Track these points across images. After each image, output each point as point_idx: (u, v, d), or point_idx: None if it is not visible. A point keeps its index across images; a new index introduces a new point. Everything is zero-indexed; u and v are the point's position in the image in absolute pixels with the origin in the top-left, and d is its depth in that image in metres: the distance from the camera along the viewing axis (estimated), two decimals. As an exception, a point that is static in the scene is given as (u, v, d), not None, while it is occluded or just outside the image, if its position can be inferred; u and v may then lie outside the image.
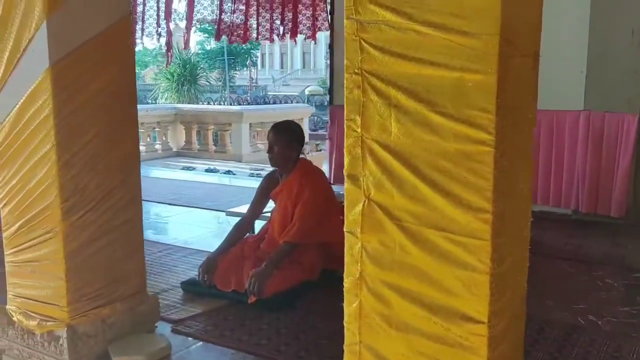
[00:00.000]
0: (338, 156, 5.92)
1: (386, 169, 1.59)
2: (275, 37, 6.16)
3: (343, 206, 3.46)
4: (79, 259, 2.37)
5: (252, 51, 37.08)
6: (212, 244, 4.16)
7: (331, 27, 5.90)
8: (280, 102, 29.87)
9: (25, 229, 2.40)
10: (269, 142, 3.26)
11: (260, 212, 3.47)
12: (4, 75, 2.35)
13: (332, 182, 5.44)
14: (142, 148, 8.13)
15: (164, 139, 10.38)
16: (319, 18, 6.03)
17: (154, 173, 7.88)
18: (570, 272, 3.60)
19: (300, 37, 6.46)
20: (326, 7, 5.99)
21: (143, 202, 2.64)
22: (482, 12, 1.39)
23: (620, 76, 4.46)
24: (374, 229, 1.64)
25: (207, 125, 10.50)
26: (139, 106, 2.72)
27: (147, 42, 6.45)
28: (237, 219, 4.02)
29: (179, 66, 20.22)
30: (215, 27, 6.16)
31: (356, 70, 1.60)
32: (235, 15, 6.09)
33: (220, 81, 29.34)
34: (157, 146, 10.26)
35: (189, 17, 5.90)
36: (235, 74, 35.20)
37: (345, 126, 1.65)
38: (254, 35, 6.22)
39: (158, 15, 6.01)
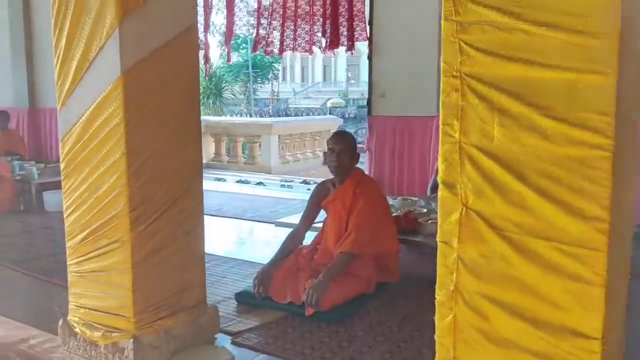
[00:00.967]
0: (376, 167, 5.86)
1: (487, 176, 1.52)
2: (316, 48, 6.14)
3: (396, 217, 3.42)
4: (145, 269, 2.34)
5: (274, 64, 37.38)
6: (260, 255, 4.13)
7: (370, 37, 5.87)
8: (302, 115, 30.03)
9: (92, 238, 2.37)
10: (334, 148, 3.15)
11: (312, 223, 3.41)
12: (73, 82, 2.34)
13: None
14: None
15: (194, 151, 10.41)
16: (357, 29, 6.01)
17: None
18: None
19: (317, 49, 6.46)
20: (364, 17, 5.96)
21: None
22: (601, 10, 1.32)
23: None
24: (472, 239, 1.56)
25: (236, 137, 10.53)
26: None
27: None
28: (286, 229, 4.00)
29: (205, 79, 20.41)
30: (253, 39, 6.17)
31: (454, 73, 1.54)
32: (272, 27, 6.10)
33: (242, 94, 29.58)
34: (188, 158, 10.28)
35: (229, 30, 5.93)
36: (259, 86, 35.46)
37: (440, 131, 1.58)
38: (291, 47, 6.22)
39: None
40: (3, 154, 6.42)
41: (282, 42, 6.15)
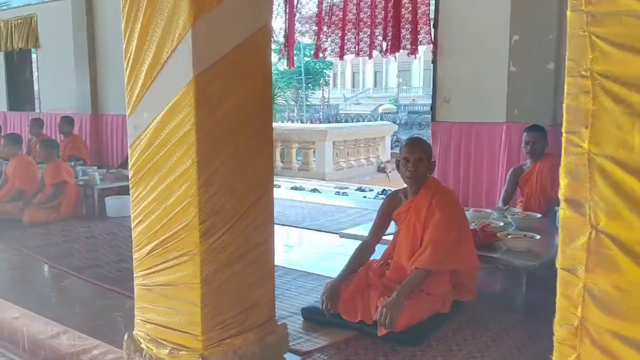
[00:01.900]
0: (439, 176, 5.59)
1: (624, 193, 1.28)
2: (375, 52, 5.96)
3: (472, 231, 3.18)
4: (215, 284, 2.21)
5: (324, 70, 37.39)
6: (323, 267, 3.97)
7: (434, 41, 5.62)
8: (352, 121, 29.82)
9: (160, 250, 2.26)
10: (409, 157, 2.94)
11: (382, 235, 3.21)
12: (143, 87, 2.24)
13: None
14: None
15: (248, 157, 10.41)
16: (421, 32, 5.78)
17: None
18: None
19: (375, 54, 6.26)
20: (429, 20, 5.73)
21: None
22: None
23: None
24: (604, 267, 1.33)
25: (290, 144, 10.45)
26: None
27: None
28: (352, 241, 3.81)
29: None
30: (314, 44, 6.05)
31: (583, 73, 1.32)
32: (333, 32, 5.96)
33: (293, 100, 29.68)
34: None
35: (290, 36, 5.83)
36: (311, 93, 35.55)
37: (563, 141, 1.36)
38: (353, 51, 6.06)
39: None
40: (67, 159, 6.54)
41: (342, 47, 5.99)
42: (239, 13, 2.21)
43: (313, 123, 25.86)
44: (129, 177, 2.35)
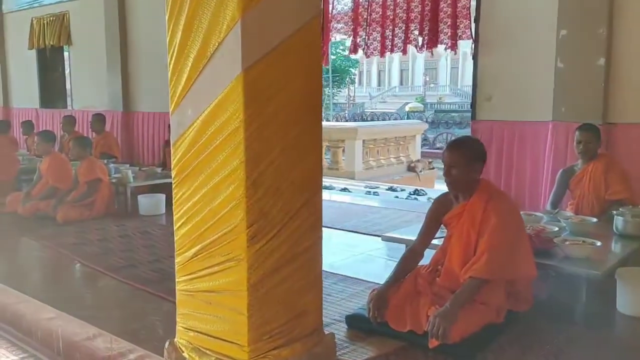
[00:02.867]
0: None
1: None
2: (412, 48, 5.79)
3: (528, 236, 2.99)
4: (262, 291, 2.08)
5: (350, 69, 37.18)
6: (363, 270, 3.83)
7: (475, 35, 5.41)
8: (378, 119, 29.54)
9: (204, 254, 2.14)
10: (446, 163, 2.82)
11: (431, 240, 3.04)
12: (188, 82, 2.12)
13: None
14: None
15: (277, 155, 10.32)
16: (461, 26, 5.57)
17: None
18: None
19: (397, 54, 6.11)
20: (469, 14, 5.52)
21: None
22: None
23: None
24: None
25: (320, 142, 10.31)
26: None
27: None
28: (394, 245, 3.66)
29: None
30: (351, 41, 5.91)
31: None
32: (371, 28, 5.81)
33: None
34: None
35: (326, 33, 5.69)
36: (338, 91, 35.37)
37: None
38: (389, 48, 5.89)
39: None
40: (98, 156, 6.52)
41: (382, 43, 5.83)
42: (289, 2, 2.07)
43: (339, 121, 25.68)
44: (172, 177, 2.23)
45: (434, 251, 3.03)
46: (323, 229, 5.24)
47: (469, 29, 5.53)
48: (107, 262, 4.03)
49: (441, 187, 10.86)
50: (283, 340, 2.15)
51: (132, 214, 5.50)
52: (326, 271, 3.77)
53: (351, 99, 38.07)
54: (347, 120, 28.45)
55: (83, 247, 4.43)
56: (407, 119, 27.73)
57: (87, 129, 8.60)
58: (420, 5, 5.73)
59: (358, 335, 2.77)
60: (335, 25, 5.96)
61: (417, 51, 5.93)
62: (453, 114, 31.06)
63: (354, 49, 5.91)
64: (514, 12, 5.16)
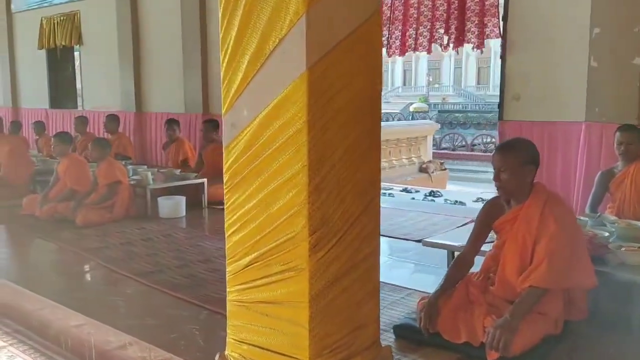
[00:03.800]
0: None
1: None
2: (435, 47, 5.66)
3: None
4: (323, 302, 1.96)
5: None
6: (400, 276, 3.70)
7: (503, 34, 5.29)
8: (382, 120, 29.31)
9: (260, 263, 2.02)
10: (495, 166, 2.70)
11: (481, 246, 2.91)
12: (243, 81, 2.00)
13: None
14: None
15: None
16: (489, 24, 5.45)
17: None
18: None
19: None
20: (497, 12, 5.39)
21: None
22: None
23: None
24: None
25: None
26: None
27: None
28: (437, 251, 3.53)
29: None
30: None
31: None
32: (394, 27, 5.68)
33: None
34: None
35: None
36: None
37: None
38: (413, 47, 5.77)
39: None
40: (113, 157, 6.39)
41: (403, 42, 5.71)
42: (354, -4, 1.95)
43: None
44: (224, 182, 2.11)
45: (482, 258, 2.92)
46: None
47: (497, 27, 5.41)
48: (132, 266, 3.91)
49: (453, 188, 10.77)
50: (343, 354, 2.03)
51: (152, 216, 5.38)
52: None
53: (355, 99, 37.89)
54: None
55: (106, 251, 4.31)
56: (411, 119, 27.55)
57: (98, 129, 8.50)
58: (446, 3, 5.61)
59: (408, 346, 2.65)
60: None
61: (442, 50, 5.81)
62: (457, 115, 30.89)
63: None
64: (544, 10, 5.04)
